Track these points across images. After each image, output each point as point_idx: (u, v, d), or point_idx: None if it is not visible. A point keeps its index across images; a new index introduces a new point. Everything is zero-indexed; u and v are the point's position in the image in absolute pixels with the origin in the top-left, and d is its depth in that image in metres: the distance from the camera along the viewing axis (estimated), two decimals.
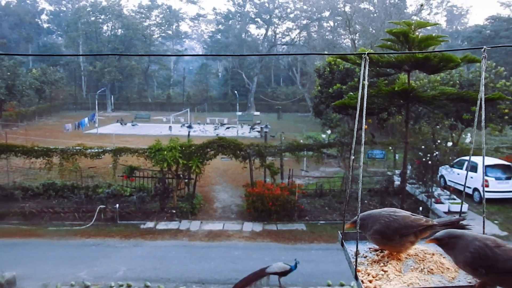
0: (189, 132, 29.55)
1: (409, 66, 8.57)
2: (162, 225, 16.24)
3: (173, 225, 16.31)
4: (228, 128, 40.19)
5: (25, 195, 18.28)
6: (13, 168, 20.45)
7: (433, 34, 9.46)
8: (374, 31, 39.52)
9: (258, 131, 36.05)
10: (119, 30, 62.31)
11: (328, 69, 21.46)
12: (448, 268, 1.96)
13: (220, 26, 68.19)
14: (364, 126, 2.07)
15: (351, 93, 14.95)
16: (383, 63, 8.35)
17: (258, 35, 68.74)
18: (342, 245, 2.18)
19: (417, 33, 8.57)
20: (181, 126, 39.86)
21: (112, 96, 58.82)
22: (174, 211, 16.95)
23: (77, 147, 18.79)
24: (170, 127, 37.94)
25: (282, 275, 11.08)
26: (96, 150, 18.91)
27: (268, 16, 63.07)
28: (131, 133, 36.72)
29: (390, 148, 21.16)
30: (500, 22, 52.12)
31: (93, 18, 60.89)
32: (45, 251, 13.92)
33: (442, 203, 17.64)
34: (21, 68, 43.33)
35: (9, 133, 29.98)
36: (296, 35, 63.79)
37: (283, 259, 12.32)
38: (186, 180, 18.42)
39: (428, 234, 1.97)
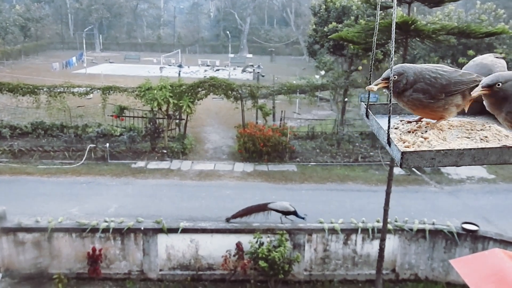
0: (179, 71, 28.85)
1: None
2: (153, 165, 16.21)
3: (164, 164, 16.29)
4: (218, 70, 39.31)
5: (13, 134, 18.04)
6: None
7: None
8: None
9: (251, 72, 35.33)
10: None
11: (324, 6, 20.61)
12: (507, 136, 1.59)
13: None
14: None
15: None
16: None
17: None
18: (367, 116, 1.84)
19: None
20: (170, 66, 38.85)
21: (101, 36, 56.77)
22: (165, 151, 16.87)
23: (64, 85, 18.29)
24: (161, 68, 37.02)
25: (283, 214, 11.21)
26: (84, 89, 18.46)
27: None
28: (121, 74, 35.83)
29: (385, 91, 20.84)
30: None
31: None
32: (35, 188, 13.91)
33: None
34: (3, 3, 41.30)
35: None
36: None
37: (273, 198, 12.45)
38: (177, 121, 18.19)
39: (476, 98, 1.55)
